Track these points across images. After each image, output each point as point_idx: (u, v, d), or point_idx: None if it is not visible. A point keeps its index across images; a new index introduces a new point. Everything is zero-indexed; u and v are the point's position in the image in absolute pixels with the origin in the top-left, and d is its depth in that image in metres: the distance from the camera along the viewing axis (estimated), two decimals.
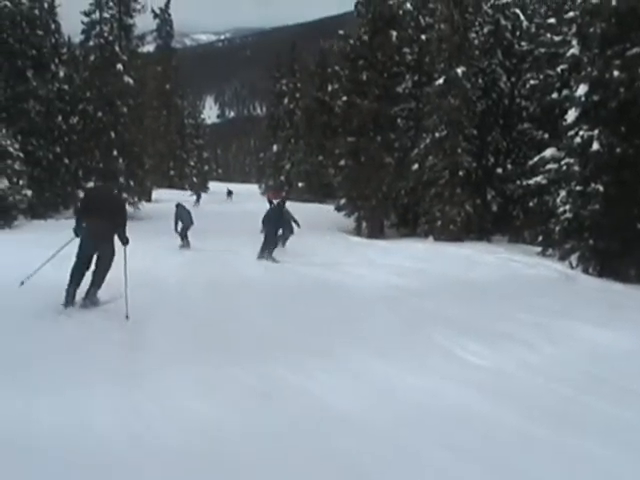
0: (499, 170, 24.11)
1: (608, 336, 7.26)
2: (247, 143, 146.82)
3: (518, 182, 20.81)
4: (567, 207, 15.01)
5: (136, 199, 29.11)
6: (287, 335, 6.75)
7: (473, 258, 16.11)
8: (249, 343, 6.32)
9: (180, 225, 17.23)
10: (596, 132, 14.10)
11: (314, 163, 46.56)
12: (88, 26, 29.26)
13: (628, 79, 13.51)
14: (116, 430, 3.95)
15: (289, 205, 18.21)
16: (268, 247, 14.77)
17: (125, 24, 30.01)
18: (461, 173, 22.12)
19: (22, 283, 8.03)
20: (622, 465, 3.81)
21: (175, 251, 15.72)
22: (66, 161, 29.28)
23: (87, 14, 29.14)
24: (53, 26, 30.23)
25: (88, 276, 7.86)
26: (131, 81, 29.09)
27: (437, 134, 22.48)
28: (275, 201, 17.71)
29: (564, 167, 15.36)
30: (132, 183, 28.98)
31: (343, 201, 27.64)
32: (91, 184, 27.57)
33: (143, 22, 33.10)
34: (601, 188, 13.96)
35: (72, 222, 8.28)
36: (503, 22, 24.20)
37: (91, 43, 29.55)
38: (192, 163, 68.30)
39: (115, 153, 28.14)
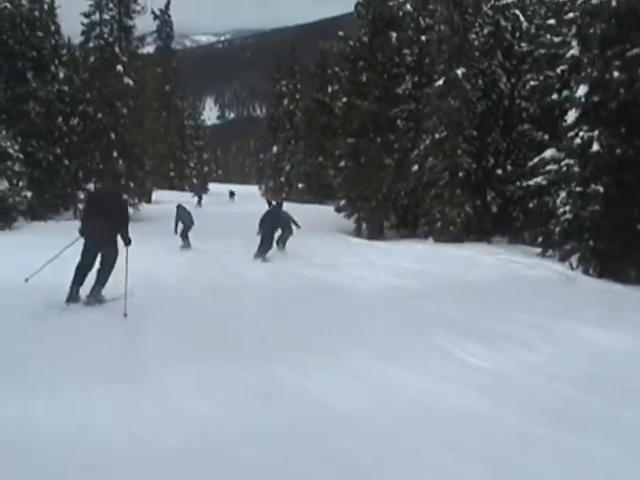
0: (499, 171, 24.10)
1: (608, 337, 7.26)
2: (247, 144, 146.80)
3: (518, 183, 20.82)
4: (567, 208, 15.00)
5: (136, 200, 29.11)
6: (287, 335, 6.76)
7: (473, 259, 16.11)
8: (249, 343, 6.32)
9: (181, 226, 17.28)
10: (596, 133, 14.10)
11: (314, 164, 46.57)
12: (88, 27, 29.26)
13: (628, 80, 13.51)
14: (116, 430, 3.95)
15: (288, 206, 18.23)
16: (264, 248, 14.84)
17: (125, 25, 30.01)
18: (461, 174, 22.11)
19: (27, 280, 8.18)
20: (622, 464, 3.80)
21: (176, 252, 15.72)
22: (66, 162, 29.29)
23: (87, 15, 29.14)
24: (53, 27, 30.27)
25: (92, 275, 8.02)
26: (131, 82, 29.09)
27: (437, 135, 22.47)
28: (274, 202, 17.74)
29: (564, 168, 15.35)
30: (132, 184, 28.98)
31: (343, 202, 27.64)
32: (91, 185, 27.69)
33: (143, 23, 33.10)
34: (601, 189, 13.96)
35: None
36: (503, 23, 24.21)
37: (91, 44, 29.56)
38: (192, 164, 68.36)
39: (115, 154, 28.13)
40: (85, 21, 29.20)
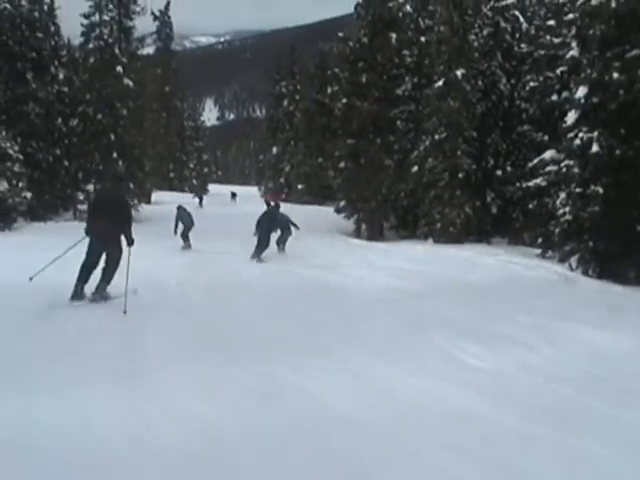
0: (499, 172, 24.13)
1: (608, 338, 7.26)
2: (247, 145, 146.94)
3: (518, 184, 20.83)
4: (567, 209, 15.02)
5: (136, 201, 29.09)
6: (287, 335, 6.77)
7: (473, 260, 16.12)
8: (249, 343, 6.33)
9: (181, 227, 17.33)
10: (596, 134, 14.12)
11: (314, 165, 46.60)
12: (88, 28, 29.26)
13: (628, 81, 13.53)
14: (116, 430, 3.95)
15: (287, 208, 18.24)
16: (260, 248, 14.90)
17: (125, 26, 30.00)
18: (461, 175, 22.12)
19: (31, 279, 8.34)
20: (622, 465, 3.81)
21: (176, 252, 15.73)
22: (66, 163, 29.25)
23: (87, 16, 29.13)
24: (53, 28, 30.20)
25: (97, 273, 8.23)
26: (131, 83, 29.09)
27: (437, 136, 22.49)
28: (272, 203, 17.78)
29: (564, 169, 15.36)
30: (132, 185, 28.97)
31: (343, 203, 27.65)
32: (90, 186, 27.75)
33: (143, 24, 33.09)
34: (601, 190, 13.98)
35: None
36: (503, 24, 24.24)
37: (91, 45, 29.54)
38: (192, 165, 68.46)
39: (115, 155, 28.12)
40: (85, 22, 29.20)
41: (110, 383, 4.77)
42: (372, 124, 25.85)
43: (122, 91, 28.66)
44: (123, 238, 8.41)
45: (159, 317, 7.41)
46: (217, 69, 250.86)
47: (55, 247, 9.13)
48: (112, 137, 28.34)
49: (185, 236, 17.21)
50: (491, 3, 24.81)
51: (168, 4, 58.52)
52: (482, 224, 23.13)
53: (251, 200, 46.29)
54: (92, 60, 29.54)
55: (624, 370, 5.93)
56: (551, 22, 22.19)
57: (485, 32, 24.58)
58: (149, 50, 50.81)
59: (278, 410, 4.45)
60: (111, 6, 29.60)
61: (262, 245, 15.01)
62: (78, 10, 29.00)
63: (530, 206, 19.34)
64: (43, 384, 4.71)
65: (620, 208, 13.67)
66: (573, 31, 16.87)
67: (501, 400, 4.86)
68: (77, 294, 7.98)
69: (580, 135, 14.56)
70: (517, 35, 24.52)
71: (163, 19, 58.40)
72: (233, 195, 52.30)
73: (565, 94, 18.44)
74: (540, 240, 17.83)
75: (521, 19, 24.37)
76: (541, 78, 22.15)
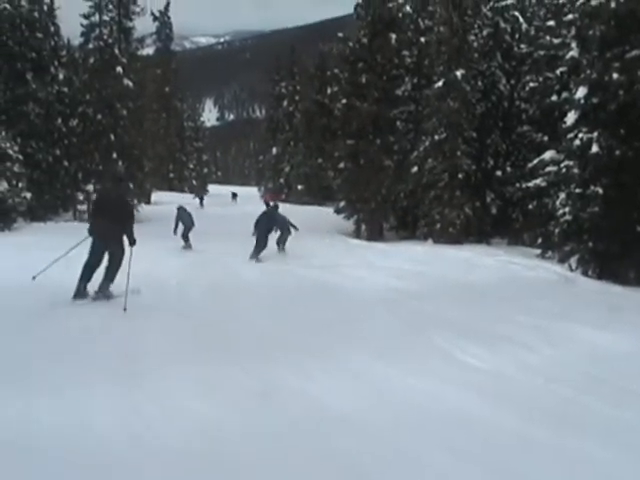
0: (498, 173, 24.14)
1: (607, 338, 7.26)
2: (246, 146, 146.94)
3: (517, 185, 20.84)
4: (566, 209, 15.02)
5: (135, 201, 29.09)
6: (287, 335, 6.77)
7: (472, 261, 16.11)
8: (249, 343, 6.33)
9: (181, 227, 17.35)
10: (595, 134, 14.12)
11: (313, 166, 46.57)
12: (87, 29, 29.27)
13: (627, 82, 13.53)
14: (116, 430, 3.95)
15: (287, 208, 18.24)
16: (258, 248, 14.92)
17: (124, 27, 30.01)
18: (460, 176, 22.13)
19: (34, 278, 8.47)
20: (622, 467, 3.80)
21: (175, 253, 15.73)
22: (65, 164, 29.27)
23: (86, 17, 29.14)
24: (52, 29, 30.23)
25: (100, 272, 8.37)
26: (131, 84, 29.09)
27: (436, 137, 22.50)
28: (271, 203, 17.80)
29: (563, 169, 15.37)
30: (132, 185, 28.97)
31: (342, 204, 27.65)
32: (90, 186, 27.74)
33: (143, 25, 33.11)
34: (600, 190, 13.98)
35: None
36: (502, 25, 24.26)
37: (90, 46, 29.55)
38: (191, 166, 68.50)
39: (115, 156, 28.12)
40: (85, 22, 29.21)
41: (110, 383, 4.77)
42: (372, 124, 25.85)
43: (122, 91, 28.66)
44: (125, 238, 8.52)
45: (159, 317, 7.43)
46: (217, 69, 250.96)
47: (55, 247, 9.15)
48: (112, 137, 28.35)
49: (185, 236, 17.24)
50: (491, 3, 24.84)
51: (168, 4, 58.61)
52: (482, 224, 23.14)
53: (252, 201, 46.29)
54: (92, 60, 29.55)
55: (624, 370, 5.93)
56: (551, 22, 22.20)
57: (485, 32, 24.60)
58: (149, 51, 50.79)
59: (278, 410, 4.44)
60: (111, 6, 29.62)
61: (260, 245, 15.05)
62: (78, 10, 29.08)
63: (530, 206, 19.35)
64: (43, 384, 4.71)
65: (620, 209, 13.67)
66: (573, 31, 16.88)
67: (501, 401, 4.85)
68: (80, 293, 8.09)
69: (580, 135, 14.56)
70: (517, 35, 24.54)
71: (163, 19, 58.41)
72: (234, 195, 52.32)
73: (565, 95, 18.45)
74: (540, 240, 17.84)
75: (521, 19, 24.40)
76: (541, 79, 22.16)
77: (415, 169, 23.64)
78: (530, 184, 18.98)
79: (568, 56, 17.10)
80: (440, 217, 22.22)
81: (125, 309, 7.49)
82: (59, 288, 8.08)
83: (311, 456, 3.71)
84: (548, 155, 18.34)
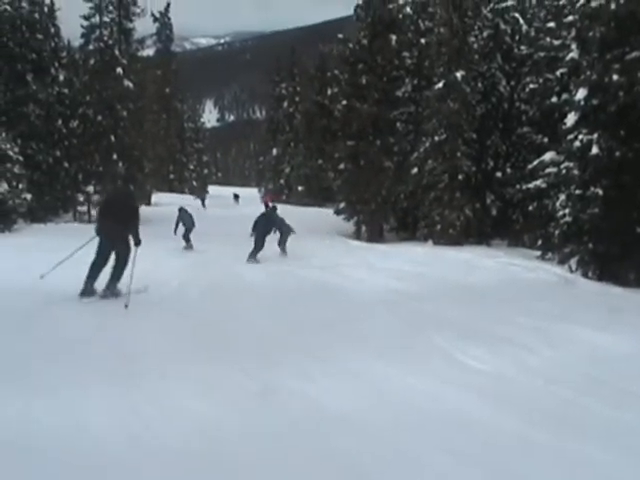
0: (499, 174, 24.14)
1: (607, 339, 7.24)
2: (247, 147, 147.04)
3: (517, 186, 20.83)
4: (566, 211, 15.02)
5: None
6: (287, 336, 6.77)
7: (472, 262, 16.11)
8: (249, 344, 6.32)
9: (182, 228, 17.44)
10: (595, 136, 14.12)
11: (313, 167, 46.62)
12: (88, 30, 29.32)
13: (627, 83, 13.53)
14: (114, 430, 3.94)
15: (287, 209, 18.25)
16: (256, 249, 14.94)
17: (125, 28, 30.06)
18: (460, 177, 22.14)
19: (42, 277, 8.61)
20: (622, 469, 3.78)
21: (176, 254, 15.76)
22: (66, 165, 29.29)
23: (87, 18, 29.20)
24: (53, 30, 30.29)
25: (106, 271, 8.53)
26: (131, 85, 29.12)
27: (436, 138, 22.51)
28: (270, 204, 17.84)
29: (563, 171, 15.36)
30: (132, 187, 28.95)
31: (342, 205, 27.67)
32: (90, 187, 27.77)
33: (143, 26, 33.18)
34: (600, 192, 13.97)
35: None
36: (502, 26, 24.28)
37: (91, 47, 29.62)
38: (192, 167, 68.57)
39: (115, 157, 28.17)
40: (85, 24, 29.28)
41: (109, 383, 4.76)
42: (372, 126, 25.88)
43: (122, 93, 28.70)
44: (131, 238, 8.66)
45: (159, 316, 7.45)
46: (217, 71, 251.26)
47: (55, 248, 9.18)
48: (112, 139, 28.39)
49: (187, 237, 17.34)
50: (491, 5, 24.85)
51: (168, 6, 58.78)
52: (482, 226, 23.15)
53: (253, 202, 46.31)
54: (92, 62, 29.62)
55: (624, 372, 5.92)
56: (551, 24, 22.23)
57: (485, 34, 24.62)
58: (149, 52, 50.91)
59: (277, 410, 4.44)
60: (111, 8, 29.70)
61: (257, 246, 15.07)
62: (78, 12, 29.15)
63: (530, 208, 19.35)
64: (42, 384, 4.70)
65: (620, 210, 13.67)
66: (573, 33, 16.90)
67: (501, 403, 4.84)
68: (87, 291, 8.21)
69: (580, 137, 14.56)
70: (517, 37, 24.56)
71: (163, 21, 58.56)
72: (236, 197, 52.28)
73: (565, 96, 18.46)
74: (540, 242, 17.84)
75: (521, 21, 24.41)
76: (541, 80, 22.18)
77: (415, 170, 23.65)
78: (530, 185, 18.99)
79: (568, 57, 17.11)
80: (440, 218, 22.22)
81: (126, 306, 7.58)
82: (59, 288, 8.09)
83: (311, 456, 3.70)
84: (548, 156, 18.34)
